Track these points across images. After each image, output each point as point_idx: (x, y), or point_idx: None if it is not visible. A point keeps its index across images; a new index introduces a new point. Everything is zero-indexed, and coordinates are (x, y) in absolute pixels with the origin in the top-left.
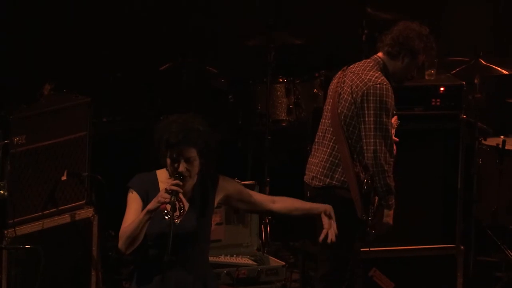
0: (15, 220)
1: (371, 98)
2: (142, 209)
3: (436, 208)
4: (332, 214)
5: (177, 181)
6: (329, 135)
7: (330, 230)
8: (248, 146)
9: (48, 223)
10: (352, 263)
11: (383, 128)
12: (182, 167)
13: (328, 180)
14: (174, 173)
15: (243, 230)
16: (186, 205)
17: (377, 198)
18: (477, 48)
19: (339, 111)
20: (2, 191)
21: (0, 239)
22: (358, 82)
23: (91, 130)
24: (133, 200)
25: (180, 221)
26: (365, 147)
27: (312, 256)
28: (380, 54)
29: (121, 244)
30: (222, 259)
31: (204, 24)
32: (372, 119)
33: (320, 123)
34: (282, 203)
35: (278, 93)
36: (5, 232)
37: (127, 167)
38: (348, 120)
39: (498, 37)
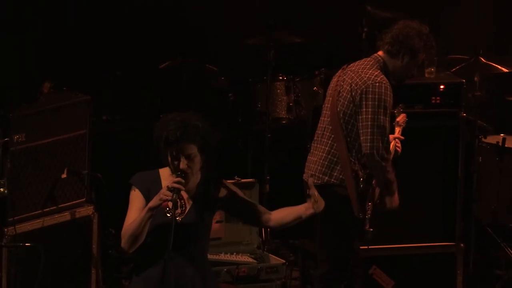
0: (15, 218)
1: (370, 96)
2: (144, 207)
3: (436, 206)
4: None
5: (179, 179)
6: (327, 133)
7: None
8: (248, 145)
9: (48, 221)
10: (352, 263)
11: (381, 126)
12: (182, 164)
13: (326, 178)
14: (175, 171)
15: (243, 228)
16: (189, 203)
17: (377, 192)
18: (477, 46)
19: (338, 109)
20: (2, 189)
21: (0, 237)
22: (357, 80)
23: (91, 128)
24: (136, 198)
25: (182, 218)
26: (363, 144)
27: (312, 254)
28: (380, 52)
29: (123, 242)
30: (222, 257)
31: (204, 23)
32: (370, 116)
33: (319, 121)
34: (274, 215)
35: (278, 91)
36: (5, 230)
37: (127, 166)
38: (347, 118)
39: (498, 35)
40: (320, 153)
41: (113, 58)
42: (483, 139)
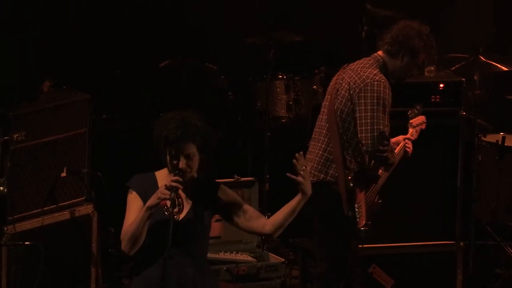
0: (15, 216)
1: (369, 94)
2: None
3: (436, 205)
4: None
5: (177, 177)
6: (324, 131)
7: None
8: (248, 144)
9: (48, 219)
10: (350, 261)
11: (380, 123)
12: (182, 164)
13: (322, 175)
14: (174, 170)
15: None
16: (188, 202)
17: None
18: (476, 46)
19: (335, 107)
20: (1, 188)
21: (0, 236)
22: (356, 78)
23: (91, 127)
24: (133, 200)
25: (181, 217)
26: (363, 142)
27: (312, 253)
28: (380, 52)
29: (124, 245)
30: (222, 255)
31: (204, 23)
32: (369, 114)
33: (317, 119)
34: (270, 219)
35: (278, 89)
36: (5, 228)
37: (127, 165)
38: (344, 116)
39: (498, 34)
40: (317, 151)
41: (113, 57)
42: (483, 138)
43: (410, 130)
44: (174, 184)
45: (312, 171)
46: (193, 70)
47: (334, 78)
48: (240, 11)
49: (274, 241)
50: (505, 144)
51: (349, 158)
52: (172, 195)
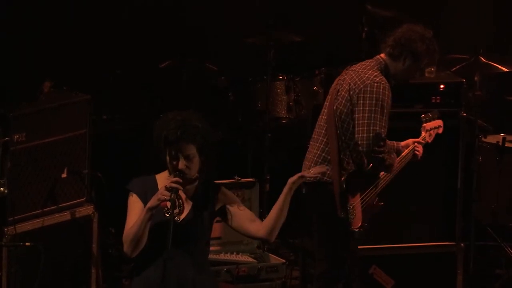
0: (15, 217)
1: (368, 95)
2: None
3: (436, 205)
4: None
5: (177, 179)
6: (323, 131)
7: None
8: (248, 145)
9: (48, 220)
10: (349, 262)
11: (377, 124)
12: (181, 164)
13: (319, 175)
14: (173, 171)
15: None
16: (188, 204)
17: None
18: (477, 46)
19: (335, 107)
20: (2, 189)
21: (0, 237)
22: (356, 79)
23: (91, 128)
24: (134, 203)
25: (181, 218)
26: (359, 142)
27: (312, 253)
28: (382, 55)
29: (126, 247)
30: (222, 256)
31: (204, 23)
32: (367, 115)
33: (318, 120)
34: (263, 224)
35: (278, 90)
36: (5, 229)
37: (127, 166)
38: (343, 116)
39: (498, 35)
40: (315, 151)
41: (113, 57)
42: (483, 139)
43: (423, 133)
44: (174, 185)
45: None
46: (193, 70)
47: (337, 79)
48: (240, 11)
49: (274, 242)
50: (506, 145)
51: (346, 159)
52: (172, 196)
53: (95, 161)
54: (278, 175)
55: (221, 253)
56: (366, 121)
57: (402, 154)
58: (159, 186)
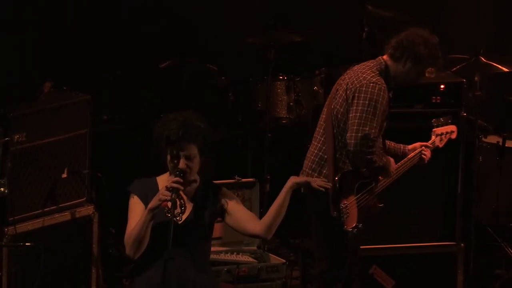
0: (16, 217)
1: (362, 95)
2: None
3: (437, 206)
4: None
5: (177, 178)
6: (321, 131)
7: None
8: (248, 145)
9: (49, 220)
10: (349, 262)
11: (367, 124)
12: (182, 164)
13: (315, 175)
14: (174, 170)
15: None
16: (189, 204)
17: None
18: (477, 46)
19: (332, 107)
20: (2, 189)
21: (0, 237)
22: (354, 79)
23: (91, 128)
24: (135, 205)
25: (182, 218)
26: (347, 141)
27: (312, 253)
28: (385, 56)
29: (128, 249)
30: (223, 256)
31: (204, 23)
32: (358, 114)
33: (319, 119)
34: (261, 221)
35: (279, 90)
36: (6, 229)
37: (127, 166)
38: (339, 116)
39: (498, 35)
40: (313, 150)
41: (113, 57)
42: (483, 139)
43: (432, 137)
44: (174, 185)
45: (306, 170)
46: (193, 70)
47: (338, 79)
48: (240, 11)
49: (274, 242)
50: (506, 145)
51: (342, 159)
52: (173, 196)
53: (95, 161)
54: (278, 175)
55: (222, 253)
56: (356, 121)
57: (408, 156)
58: (160, 188)
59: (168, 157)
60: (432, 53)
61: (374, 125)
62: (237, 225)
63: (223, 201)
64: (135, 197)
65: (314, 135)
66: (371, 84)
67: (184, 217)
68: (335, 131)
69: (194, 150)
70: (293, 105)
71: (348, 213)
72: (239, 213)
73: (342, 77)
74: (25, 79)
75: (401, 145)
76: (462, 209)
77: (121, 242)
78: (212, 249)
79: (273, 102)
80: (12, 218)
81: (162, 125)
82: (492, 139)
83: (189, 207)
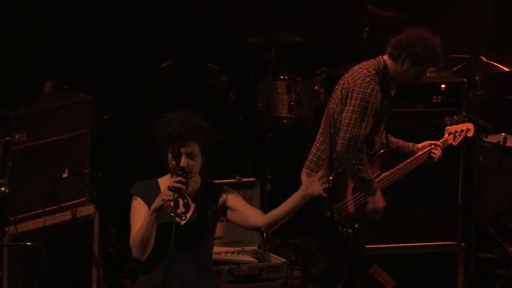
0: (16, 217)
1: (355, 95)
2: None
3: (437, 205)
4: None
5: (179, 178)
6: (321, 130)
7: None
8: (249, 145)
9: (49, 220)
10: (349, 262)
11: (356, 125)
12: (184, 162)
13: (313, 174)
14: (175, 169)
15: None
16: (192, 204)
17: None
18: (477, 46)
19: (330, 106)
20: (3, 189)
21: (1, 236)
22: (349, 79)
23: (92, 128)
24: (138, 206)
25: (185, 218)
26: (337, 141)
27: (312, 253)
28: (385, 56)
29: (135, 251)
30: (223, 256)
31: (204, 23)
32: (349, 114)
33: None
34: (266, 215)
35: (279, 90)
36: (6, 229)
37: (128, 166)
38: (336, 115)
39: (498, 35)
40: (312, 149)
41: (114, 57)
42: (484, 139)
43: (445, 136)
44: (176, 185)
45: (304, 169)
46: (193, 70)
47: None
48: (240, 11)
49: (275, 241)
50: (506, 145)
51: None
52: (175, 195)
53: (96, 161)
54: (279, 175)
55: (222, 253)
56: (346, 121)
57: (415, 155)
58: (161, 189)
59: (170, 156)
60: (432, 54)
61: (364, 125)
62: (239, 218)
63: (224, 198)
64: (138, 199)
65: (317, 135)
66: (364, 84)
67: (187, 216)
68: (332, 131)
69: (195, 148)
70: (294, 105)
71: (343, 213)
72: (240, 206)
73: (343, 77)
74: (25, 79)
75: (410, 143)
76: (463, 209)
77: (122, 242)
78: (213, 249)
79: (273, 102)
80: (12, 218)
81: (164, 124)
82: (493, 138)
83: (192, 206)
